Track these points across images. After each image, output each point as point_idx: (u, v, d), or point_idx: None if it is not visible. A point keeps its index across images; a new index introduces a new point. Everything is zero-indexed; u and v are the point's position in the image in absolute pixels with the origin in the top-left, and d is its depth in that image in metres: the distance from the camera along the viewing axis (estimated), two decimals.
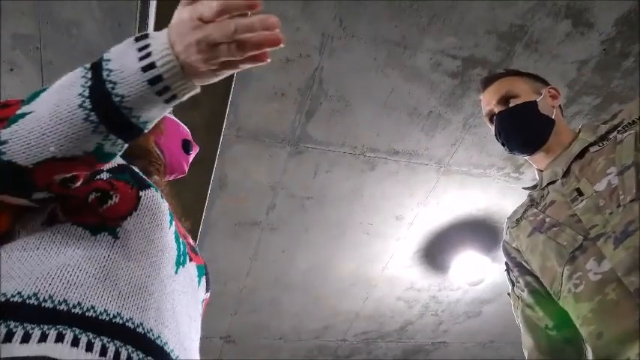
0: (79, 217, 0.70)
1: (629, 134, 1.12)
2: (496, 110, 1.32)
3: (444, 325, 3.84)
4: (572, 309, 1.11)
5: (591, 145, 1.19)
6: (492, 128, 1.36)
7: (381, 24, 2.16)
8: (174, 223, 0.80)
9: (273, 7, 2.05)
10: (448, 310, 3.72)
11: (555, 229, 1.15)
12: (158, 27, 1.74)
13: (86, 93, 0.62)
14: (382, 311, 3.64)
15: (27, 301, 0.59)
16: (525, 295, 1.26)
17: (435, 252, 3.30)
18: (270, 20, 0.61)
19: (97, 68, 0.64)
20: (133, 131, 0.65)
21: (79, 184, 0.69)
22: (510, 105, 1.30)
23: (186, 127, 1.04)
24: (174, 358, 0.67)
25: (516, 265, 1.30)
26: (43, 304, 0.59)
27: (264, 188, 2.78)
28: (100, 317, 0.61)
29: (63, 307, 0.60)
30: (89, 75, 0.64)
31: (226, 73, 0.65)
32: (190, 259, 0.83)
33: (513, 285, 1.32)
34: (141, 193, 0.75)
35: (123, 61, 0.62)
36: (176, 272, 0.76)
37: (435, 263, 3.37)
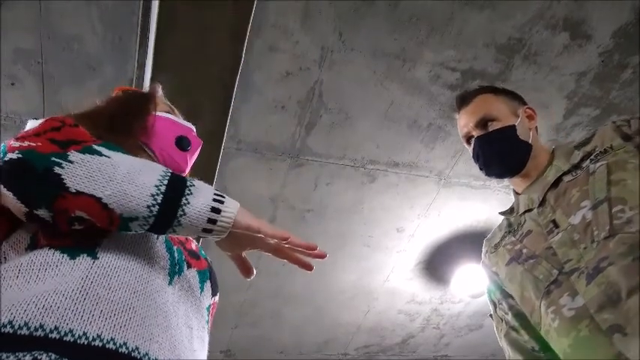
0: (58, 239, 0.70)
1: (602, 165, 1.13)
2: (474, 134, 1.31)
3: (445, 338, 3.81)
4: (555, 343, 1.11)
5: (565, 173, 1.19)
6: (469, 149, 1.36)
7: (381, 37, 2.17)
8: None
9: (273, 20, 2.07)
10: (450, 323, 3.69)
11: (532, 261, 1.15)
12: (159, 42, 1.75)
13: (166, 182, 0.71)
14: (383, 324, 3.61)
15: (2, 330, 0.58)
16: (510, 317, 1.25)
17: (437, 264, 3.28)
18: (321, 253, 0.83)
19: (179, 175, 0.74)
20: (163, 228, 0.71)
21: (80, 227, 0.70)
22: (489, 129, 1.28)
23: (185, 124, 1.02)
24: None
25: (498, 289, 1.29)
26: (18, 332, 0.59)
27: (264, 201, 2.78)
28: (78, 341, 0.60)
29: (39, 332, 0.59)
30: (170, 173, 0.73)
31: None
32: (189, 266, 0.82)
33: (495, 306, 1.31)
34: None
35: (202, 188, 0.74)
36: (170, 283, 0.75)
37: (437, 276, 3.35)
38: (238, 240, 0.82)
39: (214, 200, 0.74)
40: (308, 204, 2.83)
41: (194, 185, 0.73)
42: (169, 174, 0.73)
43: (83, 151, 0.69)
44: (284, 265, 3.38)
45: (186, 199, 0.71)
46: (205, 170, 2.33)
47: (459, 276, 3.28)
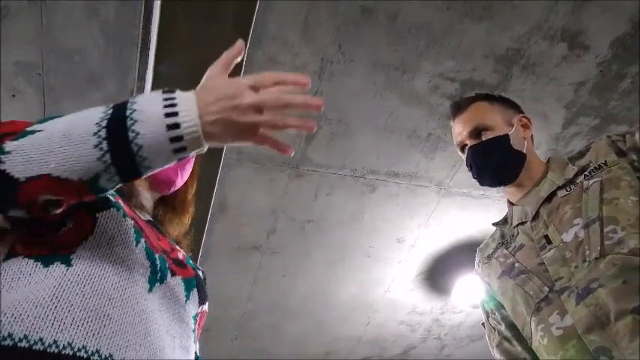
0: (33, 248, 0.69)
1: (595, 182, 1.13)
2: (468, 143, 1.31)
3: (447, 349, 3.79)
4: (542, 359, 1.11)
5: (559, 188, 1.19)
6: (464, 157, 1.35)
7: (380, 48, 2.19)
8: (142, 240, 0.77)
9: (273, 32, 2.08)
10: (451, 333, 3.67)
11: (523, 276, 1.15)
12: (159, 55, 1.76)
13: (104, 123, 0.64)
14: (384, 336, 3.59)
15: None
16: (503, 328, 1.25)
17: (437, 274, 3.27)
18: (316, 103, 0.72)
19: (120, 106, 0.66)
20: (132, 171, 0.66)
21: (60, 210, 0.68)
22: (483, 139, 1.28)
23: None
24: None
25: (491, 299, 1.29)
26: None
27: (264, 212, 2.78)
28: (47, 350, 0.59)
29: (8, 342, 0.59)
30: (110, 111, 0.66)
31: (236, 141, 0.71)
32: (173, 274, 0.80)
33: (488, 316, 1.30)
34: (97, 215, 0.73)
35: (146, 106, 0.66)
36: (150, 290, 0.74)
37: (437, 286, 3.34)
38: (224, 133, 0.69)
39: (166, 115, 0.64)
40: (308, 215, 2.83)
41: (135, 110, 0.65)
42: (109, 113, 0.66)
43: (17, 138, 0.66)
44: (284, 277, 3.39)
45: (133, 131, 0.64)
46: (205, 181, 2.33)
47: (460, 286, 3.27)
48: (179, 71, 1.80)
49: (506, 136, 1.27)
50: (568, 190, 1.17)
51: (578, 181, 1.17)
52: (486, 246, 1.35)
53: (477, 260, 1.37)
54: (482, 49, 2.24)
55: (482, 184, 1.33)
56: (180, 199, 1.04)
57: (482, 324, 1.34)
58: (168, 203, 1.03)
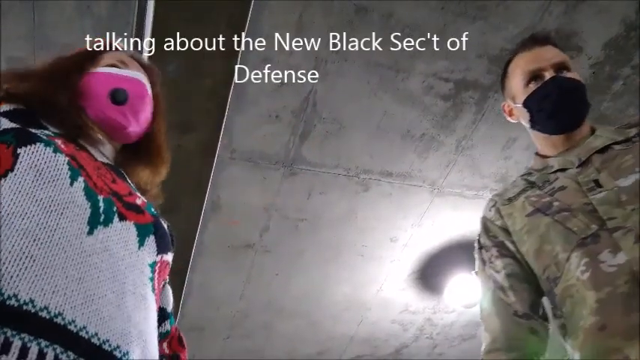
0: None
1: None
2: (549, 74, 1.28)
3: (439, 348, 3.80)
4: (578, 297, 1.08)
5: (616, 143, 1.19)
6: (524, 88, 1.31)
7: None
8: (80, 179, 0.72)
9: (267, 31, 2.08)
10: (443, 332, 3.69)
11: (565, 213, 1.13)
12: (153, 53, 1.75)
13: None
14: (377, 335, 3.60)
15: None
16: (500, 277, 1.22)
17: (430, 274, 3.28)
18: None
19: None
20: None
21: None
22: (567, 75, 1.28)
23: (127, 75, 0.94)
24: (73, 330, 0.59)
25: (496, 245, 1.25)
26: None
27: (257, 210, 2.77)
28: None
29: None
30: None
31: None
32: (123, 218, 0.75)
33: (484, 264, 1.27)
34: (19, 151, 0.68)
35: None
36: (90, 232, 0.68)
37: (430, 285, 3.35)
38: None
39: None
40: (301, 213, 2.83)
41: None
42: None
43: None
44: (277, 275, 3.38)
45: None
46: (199, 180, 2.33)
47: (452, 286, 3.28)
48: (173, 70, 1.79)
49: (585, 86, 1.30)
50: (626, 145, 1.18)
51: (635, 140, 1.18)
52: (505, 191, 1.32)
53: (489, 205, 1.33)
54: (476, 49, 2.24)
55: (549, 118, 1.28)
56: (145, 147, 0.98)
57: (475, 272, 1.31)
58: (135, 151, 0.97)
